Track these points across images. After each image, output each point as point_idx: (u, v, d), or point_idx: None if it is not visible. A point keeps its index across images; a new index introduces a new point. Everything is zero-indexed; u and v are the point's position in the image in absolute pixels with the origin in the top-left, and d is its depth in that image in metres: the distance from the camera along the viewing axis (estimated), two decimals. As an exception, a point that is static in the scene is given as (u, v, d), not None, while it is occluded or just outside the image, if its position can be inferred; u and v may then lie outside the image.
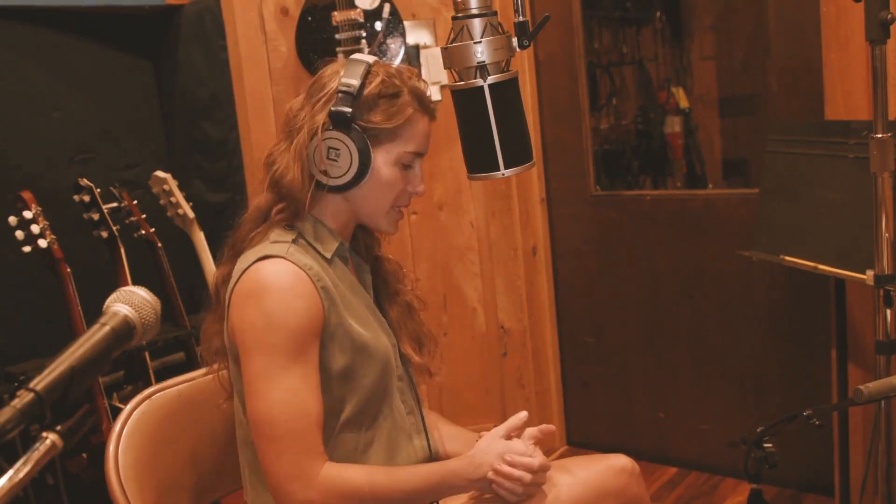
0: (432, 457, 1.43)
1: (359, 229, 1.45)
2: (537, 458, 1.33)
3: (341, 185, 1.30)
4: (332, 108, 1.27)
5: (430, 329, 1.52)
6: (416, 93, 1.33)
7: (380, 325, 1.39)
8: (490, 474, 1.30)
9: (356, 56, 1.32)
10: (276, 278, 1.23)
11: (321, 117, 1.28)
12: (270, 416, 1.22)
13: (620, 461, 1.47)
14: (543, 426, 1.40)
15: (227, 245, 1.36)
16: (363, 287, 1.41)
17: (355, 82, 1.27)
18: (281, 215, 1.33)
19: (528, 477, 1.30)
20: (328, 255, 1.32)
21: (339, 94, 1.27)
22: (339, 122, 1.27)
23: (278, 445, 1.22)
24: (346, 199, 1.35)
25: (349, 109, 1.27)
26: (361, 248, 1.47)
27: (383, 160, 1.32)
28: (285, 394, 1.22)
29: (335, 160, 1.28)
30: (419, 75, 1.37)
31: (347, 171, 1.29)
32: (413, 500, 1.29)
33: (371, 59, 1.32)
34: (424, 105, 1.34)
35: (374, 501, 1.27)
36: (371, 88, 1.29)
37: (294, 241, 1.30)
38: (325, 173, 1.29)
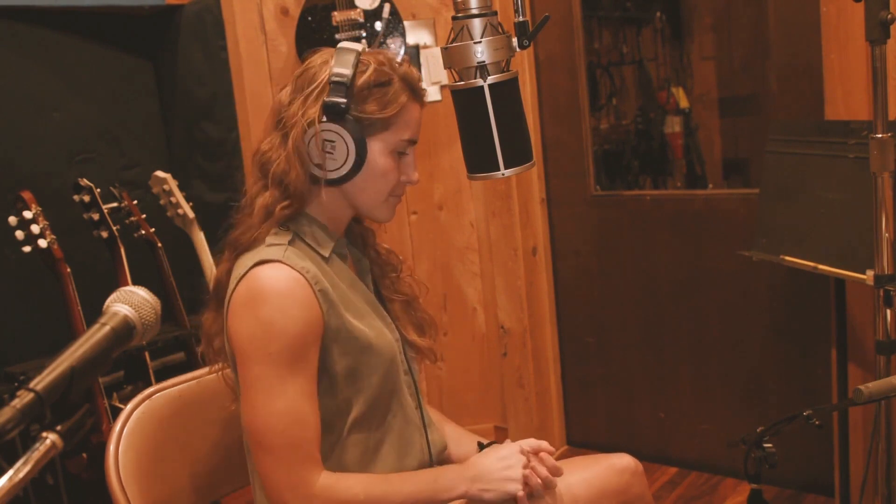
0: (433, 456, 1.42)
1: (353, 221, 1.43)
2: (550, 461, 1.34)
3: (338, 178, 1.28)
4: (326, 100, 1.25)
5: (430, 315, 1.51)
6: (407, 80, 1.31)
7: (382, 320, 1.37)
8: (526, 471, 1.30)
9: (344, 44, 1.30)
10: (273, 285, 1.21)
11: (315, 110, 1.26)
12: (267, 426, 1.21)
13: (623, 460, 1.46)
14: (543, 453, 1.37)
15: (226, 243, 1.33)
16: (363, 281, 1.40)
17: (347, 72, 1.25)
18: (285, 212, 1.29)
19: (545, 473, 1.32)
20: (326, 254, 1.31)
21: (332, 85, 1.25)
22: (333, 113, 1.25)
23: (275, 456, 1.21)
24: (341, 192, 1.32)
25: (344, 100, 1.25)
26: (358, 241, 1.46)
27: (379, 150, 1.30)
28: (283, 404, 1.21)
29: (331, 153, 1.27)
30: (409, 62, 1.36)
31: (344, 163, 1.27)
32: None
33: (359, 46, 1.30)
34: (416, 92, 1.33)
35: None
36: (364, 78, 1.27)
37: (291, 243, 1.28)
38: (322, 167, 1.27)
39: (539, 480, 1.30)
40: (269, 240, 1.28)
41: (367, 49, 1.32)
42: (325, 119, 1.26)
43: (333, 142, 1.26)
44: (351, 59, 1.27)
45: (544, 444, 1.37)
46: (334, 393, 1.28)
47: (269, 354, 1.20)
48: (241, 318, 1.23)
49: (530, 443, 1.36)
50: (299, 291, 1.22)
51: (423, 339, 1.45)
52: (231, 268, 1.30)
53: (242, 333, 1.22)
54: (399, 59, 1.34)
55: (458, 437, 1.53)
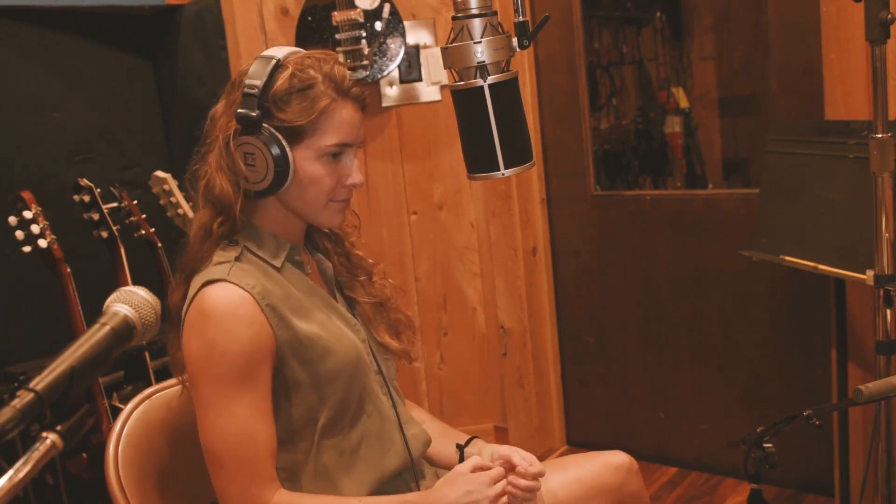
0: (412, 453, 1.39)
1: (315, 229, 1.41)
2: (536, 467, 1.32)
3: (265, 190, 1.25)
4: (238, 112, 1.23)
5: (407, 316, 1.48)
6: (332, 79, 1.26)
7: (345, 323, 1.35)
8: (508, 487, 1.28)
9: (266, 52, 1.27)
10: (216, 304, 1.20)
11: (233, 123, 1.25)
12: (218, 444, 1.21)
13: (618, 458, 1.46)
14: (525, 468, 1.33)
15: (177, 267, 1.32)
16: (327, 285, 1.39)
17: (259, 82, 1.22)
18: (222, 229, 1.27)
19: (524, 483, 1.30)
20: (278, 265, 1.29)
21: (244, 97, 1.23)
22: (246, 125, 1.23)
23: (226, 473, 1.21)
24: (280, 202, 1.30)
25: (255, 113, 1.22)
26: (321, 245, 1.43)
27: (304, 157, 1.25)
28: (232, 422, 1.20)
29: (252, 165, 1.24)
30: (338, 59, 1.30)
31: (265, 175, 1.24)
32: None
33: (284, 52, 1.27)
34: (343, 91, 1.27)
35: None
36: (279, 85, 1.23)
37: (238, 258, 1.26)
38: (247, 180, 1.25)
39: (519, 493, 1.29)
40: (216, 257, 1.26)
41: (296, 52, 1.28)
42: (241, 132, 1.24)
43: (253, 154, 1.24)
44: (266, 68, 1.24)
45: (518, 456, 1.34)
46: (298, 402, 1.27)
47: (216, 375, 1.20)
48: (190, 339, 1.23)
49: (501, 451, 1.35)
50: (244, 309, 1.21)
51: (396, 341, 1.43)
52: (184, 291, 1.29)
53: (192, 354, 1.22)
54: (329, 56, 1.29)
55: (439, 436, 1.50)
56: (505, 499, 1.26)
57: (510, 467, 1.33)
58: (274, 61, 1.25)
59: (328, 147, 1.26)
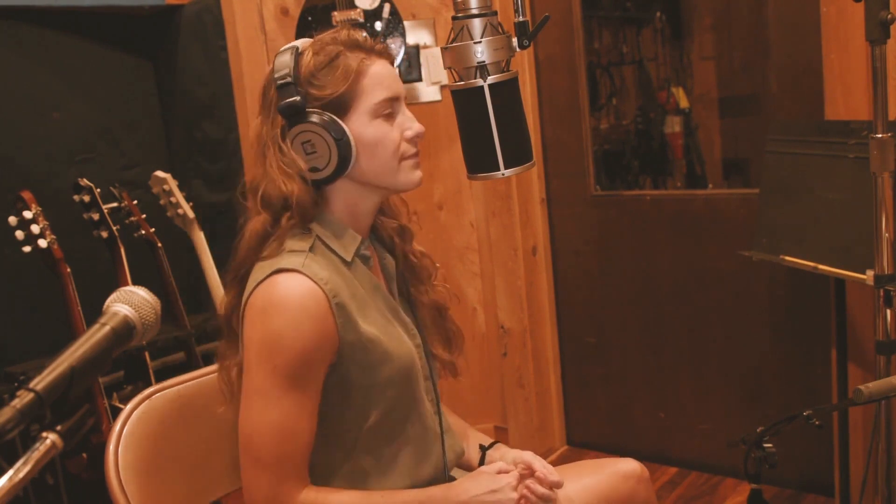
0: (447, 464, 1.39)
1: (383, 221, 1.39)
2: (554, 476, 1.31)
3: (336, 171, 1.23)
4: (280, 106, 1.22)
5: (458, 327, 1.46)
6: (353, 43, 1.26)
7: (402, 326, 1.33)
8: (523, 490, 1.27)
9: (283, 47, 1.27)
10: (289, 296, 1.18)
11: (278, 120, 1.24)
12: (260, 435, 1.20)
13: (629, 466, 1.44)
14: (546, 475, 1.33)
15: (229, 271, 1.30)
16: (387, 284, 1.36)
17: (287, 70, 1.22)
18: (292, 221, 1.24)
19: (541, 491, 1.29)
20: (349, 258, 1.27)
21: (279, 90, 1.22)
22: (293, 114, 1.22)
23: (261, 466, 1.20)
24: (353, 183, 1.27)
25: (296, 98, 1.21)
26: (385, 239, 1.41)
27: (359, 124, 1.24)
28: (279, 416, 1.19)
29: (314, 152, 1.22)
30: (349, 27, 1.29)
31: (331, 155, 1.22)
32: None
33: (299, 42, 1.27)
34: (369, 49, 1.26)
35: None
36: (307, 66, 1.23)
37: (312, 249, 1.23)
38: (315, 169, 1.23)
39: (536, 500, 1.28)
40: (288, 244, 1.24)
41: (309, 40, 1.28)
42: (290, 125, 1.23)
43: (310, 140, 1.23)
44: (287, 56, 1.24)
45: (539, 463, 1.33)
46: (349, 403, 1.26)
47: (274, 366, 1.18)
48: (252, 326, 1.20)
49: (524, 457, 1.35)
50: (315, 305, 1.18)
51: (447, 353, 1.42)
52: (238, 293, 1.26)
53: (253, 341, 1.20)
54: (341, 27, 1.29)
55: (461, 436, 1.50)
56: (523, 502, 1.26)
57: (529, 474, 1.33)
58: (293, 49, 1.25)
59: (378, 105, 1.25)
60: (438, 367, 1.43)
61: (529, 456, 1.37)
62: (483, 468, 1.29)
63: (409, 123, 1.29)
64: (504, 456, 1.42)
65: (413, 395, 1.32)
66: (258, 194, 1.25)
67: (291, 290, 1.18)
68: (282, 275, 1.19)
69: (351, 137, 1.23)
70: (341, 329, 1.21)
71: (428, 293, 1.42)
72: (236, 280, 1.28)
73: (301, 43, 1.27)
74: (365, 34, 1.29)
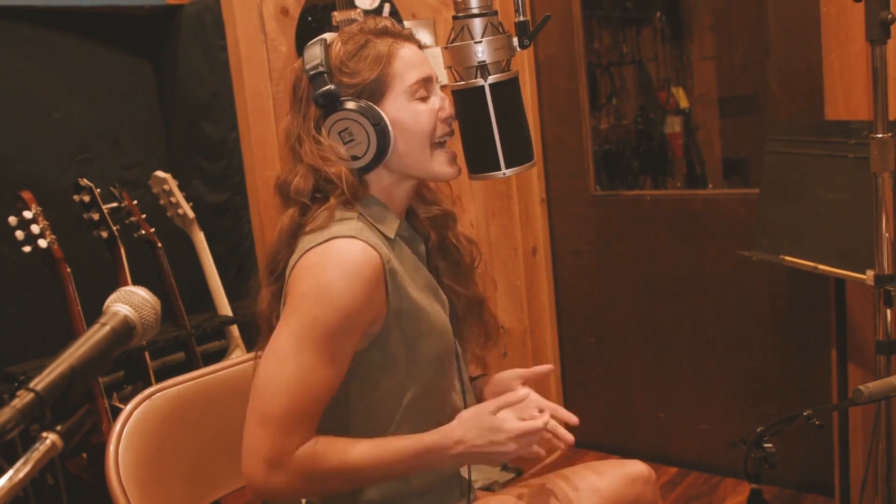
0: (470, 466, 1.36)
1: (421, 208, 1.37)
2: (540, 420, 1.21)
3: (375, 157, 1.23)
4: (315, 95, 1.22)
5: (496, 319, 1.44)
6: (381, 31, 1.26)
7: (441, 304, 1.31)
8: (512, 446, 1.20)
9: (310, 42, 1.27)
10: (346, 256, 1.16)
11: (312, 112, 1.24)
12: (276, 384, 1.15)
13: (636, 469, 1.42)
14: (538, 368, 1.34)
15: (265, 268, 1.28)
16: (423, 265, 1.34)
17: (318, 60, 1.22)
18: (342, 198, 1.23)
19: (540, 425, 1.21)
20: (391, 236, 1.26)
21: (312, 81, 1.22)
22: (328, 103, 1.22)
23: (269, 414, 1.15)
24: (389, 170, 1.27)
25: (330, 86, 1.21)
26: (419, 229, 1.38)
27: (395, 106, 1.24)
28: (302, 370, 1.15)
29: (352, 139, 1.22)
30: (374, 17, 1.30)
31: (370, 140, 1.22)
32: (387, 476, 1.24)
33: (327, 35, 1.27)
34: (396, 34, 1.27)
35: (345, 480, 1.21)
36: (337, 55, 1.24)
37: (359, 219, 1.22)
38: (355, 158, 1.23)
39: (561, 445, 1.23)
40: (337, 215, 1.22)
41: (335, 33, 1.28)
42: (325, 115, 1.23)
43: (347, 128, 1.22)
44: (317, 48, 1.24)
45: (518, 394, 1.24)
46: (389, 376, 1.24)
47: (313, 318, 1.15)
48: (300, 279, 1.18)
49: (528, 373, 1.35)
50: (369, 269, 1.17)
51: (480, 345, 1.40)
52: (277, 289, 1.24)
53: (299, 290, 1.17)
54: (367, 18, 1.29)
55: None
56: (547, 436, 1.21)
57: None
58: (321, 41, 1.25)
59: (412, 86, 1.25)
60: (469, 356, 1.41)
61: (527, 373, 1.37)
62: (484, 405, 1.22)
63: (443, 104, 1.29)
64: (500, 382, 1.42)
65: (449, 381, 1.32)
66: (289, 188, 1.25)
67: (348, 251, 1.17)
68: (339, 240, 1.18)
69: (388, 122, 1.23)
70: (391, 296, 1.20)
71: (468, 286, 1.40)
72: (273, 276, 1.27)
73: (329, 35, 1.27)
74: (392, 20, 1.29)
